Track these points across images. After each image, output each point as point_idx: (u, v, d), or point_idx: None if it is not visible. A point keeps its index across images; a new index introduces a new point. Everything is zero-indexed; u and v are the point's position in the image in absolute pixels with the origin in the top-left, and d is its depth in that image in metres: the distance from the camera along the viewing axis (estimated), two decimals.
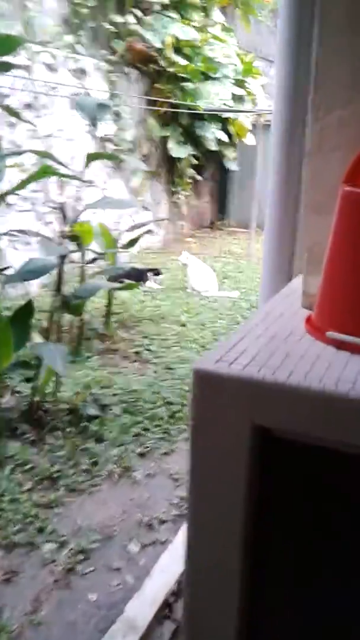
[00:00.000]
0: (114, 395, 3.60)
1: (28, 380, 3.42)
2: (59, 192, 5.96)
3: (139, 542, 2.42)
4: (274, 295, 1.85)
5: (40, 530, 2.44)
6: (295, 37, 2.02)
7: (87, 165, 2.72)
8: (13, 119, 5.36)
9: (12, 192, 2.75)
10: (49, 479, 2.77)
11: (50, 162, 2.65)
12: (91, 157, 2.63)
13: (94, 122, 2.70)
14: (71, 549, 2.35)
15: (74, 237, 3.96)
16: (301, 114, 2.09)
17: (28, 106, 5.53)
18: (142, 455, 3.03)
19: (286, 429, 0.77)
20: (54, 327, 3.07)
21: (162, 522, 2.56)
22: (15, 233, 3.50)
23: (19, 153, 3.68)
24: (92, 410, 3.29)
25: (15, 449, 2.94)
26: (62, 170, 2.74)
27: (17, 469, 2.82)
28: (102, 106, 2.73)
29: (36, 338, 3.42)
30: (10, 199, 5.31)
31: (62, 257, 2.84)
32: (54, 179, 5.92)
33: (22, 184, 2.74)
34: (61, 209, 2.73)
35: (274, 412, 0.80)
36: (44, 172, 2.70)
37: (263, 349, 0.93)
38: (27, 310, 3.07)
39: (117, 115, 7.04)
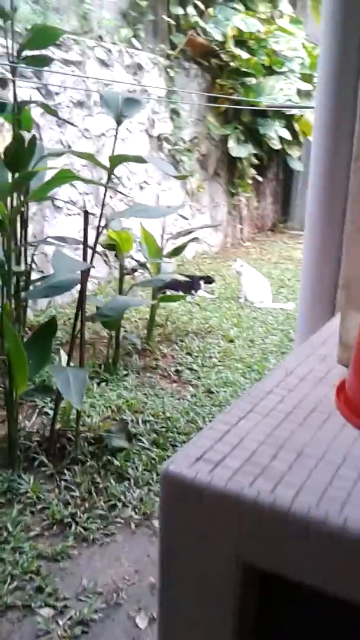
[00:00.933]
0: (145, 422, 3.27)
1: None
2: (110, 196, 5.70)
3: (148, 615, 2.07)
4: (309, 338, 1.42)
5: (40, 589, 2.14)
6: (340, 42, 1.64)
7: (111, 170, 2.38)
8: (65, 118, 5.14)
9: (31, 199, 2.46)
10: (60, 523, 2.48)
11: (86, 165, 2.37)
12: (115, 161, 2.29)
13: (118, 120, 2.37)
14: (70, 618, 2.03)
15: (111, 246, 3.67)
16: (348, 119, 1.64)
17: (79, 104, 5.29)
18: None
19: (286, 574, 0.56)
20: (78, 344, 2.77)
21: None
22: (52, 240, 3.21)
23: (59, 154, 3.41)
24: (117, 442, 2.97)
25: (29, 484, 2.66)
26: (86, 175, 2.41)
27: (27, 509, 2.54)
28: (130, 101, 2.39)
29: (62, 356, 3.14)
30: (58, 202, 5.09)
31: (86, 273, 2.52)
32: (104, 177, 5.67)
33: (42, 191, 2.44)
34: (85, 216, 2.41)
35: (268, 550, 0.58)
36: (64, 177, 2.40)
37: (269, 439, 0.71)
38: (49, 328, 2.79)
39: (175, 112, 6.70)
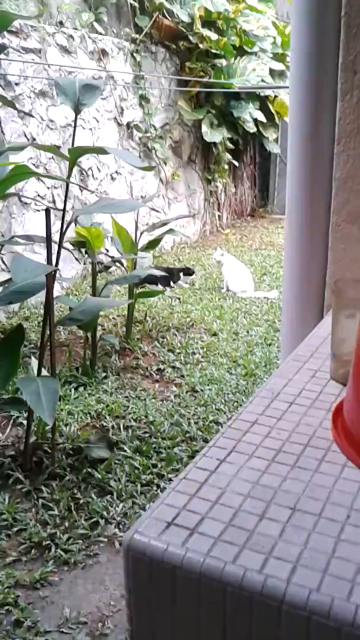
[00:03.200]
0: (127, 428, 3.10)
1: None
2: (81, 189, 5.48)
3: None
4: (295, 349, 1.26)
5: (18, 623, 1.97)
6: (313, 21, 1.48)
7: (72, 163, 2.18)
8: (26, 110, 4.89)
9: None
10: (38, 546, 2.30)
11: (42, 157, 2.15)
12: (75, 153, 2.09)
13: (76, 108, 2.16)
14: None
15: (81, 243, 3.46)
16: (327, 98, 1.47)
17: (42, 94, 5.04)
18: None
19: None
20: (50, 349, 2.57)
21: None
22: (19, 240, 3.00)
23: (20, 148, 3.18)
24: (98, 452, 2.79)
25: (4, 504, 2.48)
26: (43, 169, 2.20)
27: (2, 532, 2.36)
28: (88, 87, 2.18)
29: (34, 364, 2.95)
30: (25, 198, 4.85)
31: (51, 275, 2.32)
32: (75, 171, 5.44)
33: None
34: (46, 212, 2.21)
35: None
36: (19, 174, 2.19)
37: (255, 491, 0.63)
38: (16, 336, 2.59)
39: (145, 99, 6.47)
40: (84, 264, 5.50)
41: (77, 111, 2.20)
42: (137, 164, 2.10)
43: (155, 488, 2.62)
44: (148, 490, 2.61)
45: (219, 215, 8.38)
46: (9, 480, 2.64)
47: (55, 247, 2.45)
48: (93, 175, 5.76)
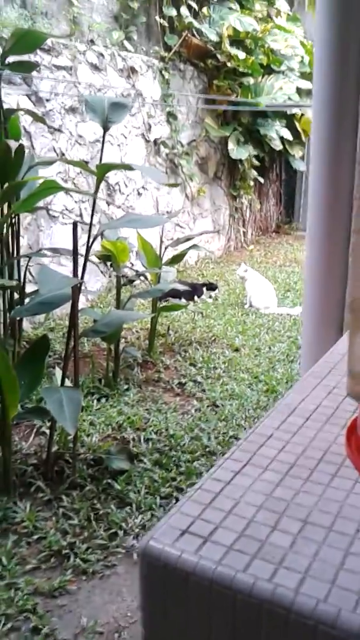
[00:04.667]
0: (148, 440, 3.12)
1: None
2: (108, 203, 5.57)
3: None
4: (315, 361, 1.27)
5: (36, 630, 1.99)
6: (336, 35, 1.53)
7: (100, 178, 2.24)
8: (56, 126, 5.01)
9: (14, 211, 2.32)
10: (57, 554, 2.32)
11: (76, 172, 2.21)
12: (103, 169, 2.15)
13: (105, 125, 2.22)
14: None
15: (107, 257, 3.52)
16: (349, 115, 1.50)
17: (71, 110, 5.16)
18: None
19: None
20: (74, 360, 2.62)
21: None
22: (46, 252, 3.08)
23: (49, 163, 3.27)
24: (118, 464, 2.82)
25: (25, 512, 2.51)
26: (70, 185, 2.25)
27: (23, 540, 2.39)
28: (116, 106, 2.24)
29: (58, 374, 2.99)
30: (53, 211, 4.96)
31: (77, 287, 2.37)
32: (102, 186, 5.53)
33: (27, 203, 2.30)
34: (74, 226, 2.26)
35: None
36: (48, 189, 2.25)
37: (268, 503, 0.64)
38: (41, 346, 2.64)
39: (172, 115, 6.57)
40: (109, 277, 5.57)
41: (105, 128, 2.26)
42: (161, 180, 2.15)
43: (174, 501, 2.63)
44: (167, 503, 2.62)
45: (243, 232, 8.42)
46: (30, 488, 2.68)
47: (81, 260, 2.51)
48: (120, 190, 5.85)
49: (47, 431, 3.10)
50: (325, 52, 1.35)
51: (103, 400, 3.55)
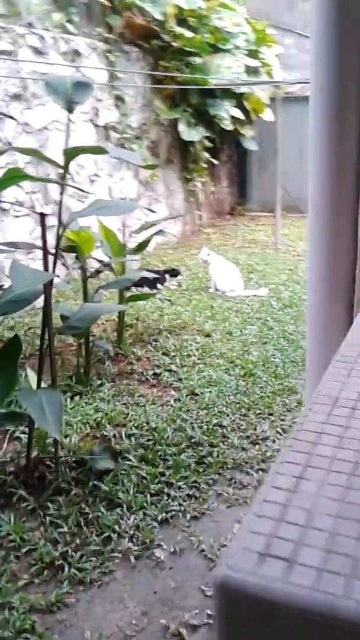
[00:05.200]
0: (130, 436, 3.00)
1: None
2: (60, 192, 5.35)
3: None
4: (341, 347, 1.16)
5: None
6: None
7: (67, 164, 2.08)
8: (2, 112, 4.75)
9: None
10: (50, 566, 2.19)
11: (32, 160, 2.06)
12: (71, 154, 1.99)
13: (69, 107, 2.06)
14: None
15: (70, 248, 3.36)
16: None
17: (16, 97, 4.91)
18: (165, 522, 2.42)
19: None
20: (49, 357, 2.46)
21: (194, 628, 1.95)
22: (3, 247, 2.89)
23: (2, 152, 3.07)
24: (103, 464, 2.69)
25: (10, 524, 2.36)
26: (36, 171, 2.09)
27: (11, 554, 2.24)
28: (80, 86, 2.09)
29: (30, 374, 2.83)
30: (3, 203, 4.72)
31: (49, 283, 2.22)
32: (52, 173, 5.31)
33: None
34: (42, 218, 2.11)
35: None
36: (13, 178, 2.09)
37: (344, 510, 0.53)
38: (12, 349, 2.47)
39: (120, 99, 6.37)
40: (67, 268, 5.38)
41: (69, 110, 2.10)
42: (138, 162, 2.02)
43: (165, 497, 2.53)
44: (158, 500, 2.52)
45: (199, 215, 8.32)
46: (12, 498, 2.53)
47: (42, 253, 2.35)
48: (72, 178, 5.64)
49: (21, 436, 2.95)
50: (324, 36, 1.24)
51: (77, 397, 3.41)
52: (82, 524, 2.37)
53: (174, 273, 5.40)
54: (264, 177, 9.61)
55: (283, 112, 7.27)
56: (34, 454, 2.70)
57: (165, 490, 2.57)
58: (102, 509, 2.45)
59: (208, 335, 4.32)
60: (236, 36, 7.66)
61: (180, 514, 2.45)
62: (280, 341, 4.20)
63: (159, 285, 5.26)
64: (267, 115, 8.74)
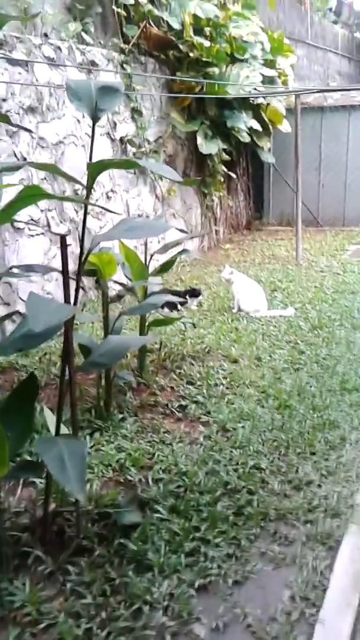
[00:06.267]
0: (157, 481, 2.69)
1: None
2: (75, 210, 5.10)
3: None
4: None
5: None
6: None
7: (91, 180, 1.80)
8: (15, 129, 4.51)
9: None
10: None
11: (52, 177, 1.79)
12: (96, 168, 1.72)
13: (95, 115, 1.79)
14: None
15: (90, 271, 3.08)
16: None
17: (31, 110, 4.67)
18: (203, 589, 2.10)
19: None
20: (71, 402, 2.17)
21: None
22: (16, 271, 2.61)
23: (16, 168, 2.80)
24: (129, 517, 2.38)
25: (24, 592, 2.06)
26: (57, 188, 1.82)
27: (27, 632, 1.93)
28: (106, 90, 1.82)
29: (47, 414, 2.53)
30: (18, 223, 4.46)
31: (70, 319, 1.93)
32: (68, 190, 5.06)
33: (5, 214, 1.86)
34: (62, 240, 1.82)
35: None
36: (31, 196, 1.82)
37: None
38: (27, 391, 2.19)
39: (137, 112, 6.13)
40: (84, 291, 5.11)
41: (94, 118, 1.83)
42: (176, 178, 1.74)
43: (202, 558, 2.21)
44: (194, 561, 2.20)
45: (216, 230, 8.05)
46: (27, 559, 2.22)
47: (62, 279, 2.07)
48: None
49: (37, 480, 2.65)
50: None
51: (97, 435, 3.10)
52: (108, 592, 2.07)
53: (194, 293, 5.11)
54: (281, 190, 9.34)
55: (301, 122, 7.00)
56: (52, 506, 2.40)
57: (202, 548, 2.26)
58: (131, 573, 2.14)
59: (235, 361, 4.02)
60: (253, 46, 7.42)
61: (221, 579, 2.13)
62: (313, 367, 3.88)
63: (179, 307, 4.97)
64: (284, 126, 8.48)
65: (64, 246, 1.97)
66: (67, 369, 2.11)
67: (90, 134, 5.37)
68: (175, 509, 2.48)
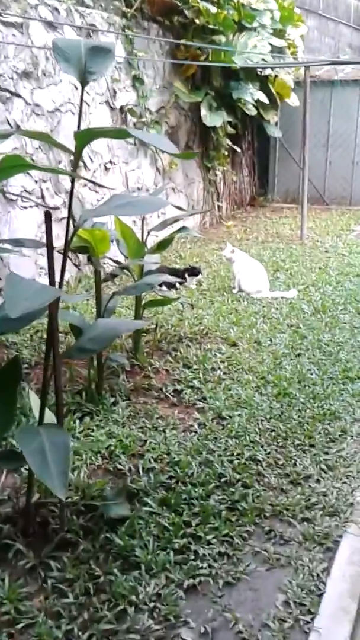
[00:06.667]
0: (147, 471, 2.56)
1: None
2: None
3: None
4: None
5: None
6: None
7: (79, 150, 1.63)
8: (8, 93, 4.29)
9: None
10: None
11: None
12: (84, 137, 1.54)
13: (84, 78, 1.61)
14: None
15: (82, 248, 2.91)
16: None
17: (26, 75, 4.44)
18: (192, 589, 1.99)
19: None
20: (56, 391, 2.03)
21: None
22: (4, 246, 2.44)
23: (6, 135, 2.61)
24: (117, 510, 2.26)
25: (3, 588, 1.94)
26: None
27: (3, 632, 1.82)
28: (98, 51, 1.63)
29: (32, 399, 2.40)
30: (10, 193, 4.28)
31: (55, 302, 1.77)
32: (64, 160, 4.85)
33: None
34: (47, 216, 1.66)
35: None
36: (12, 167, 1.64)
37: None
38: (10, 375, 2.04)
39: (139, 80, 5.87)
40: (78, 268, 4.94)
41: (83, 82, 1.64)
42: (170, 149, 1.56)
43: (192, 556, 2.09)
44: (184, 559, 2.08)
45: (218, 206, 7.83)
46: (8, 552, 2.10)
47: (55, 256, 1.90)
48: (86, 166, 5.18)
49: (22, 468, 2.52)
50: None
51: (87, 419, 2.97)
52: (92, 591, 1.95)
53: (194, 272, 4.94)
54: (287, 166, 9.08)
55: (310, 96, 6.73)
56: (35, 496, 2.27)
57: (192, 546, 2.14)
58: (116, 571, 2.02)
59: (234, 345, 3.87)
60: (262, 14, 7.11)
61: (211, 579, 2.01)
62: (315, 353, 3.73)
63: (178, 286, 4.81)
64: (292, 99, 8.20)
65: (48, 221, 1.80)
66: (51, 353, 1.96)
67: (88, 102, 5.14)
68: (166, 501, 2.36)
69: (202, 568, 2.05)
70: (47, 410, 2.11)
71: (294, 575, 2.02)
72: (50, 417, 2.18)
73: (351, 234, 7.39)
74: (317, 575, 2.01)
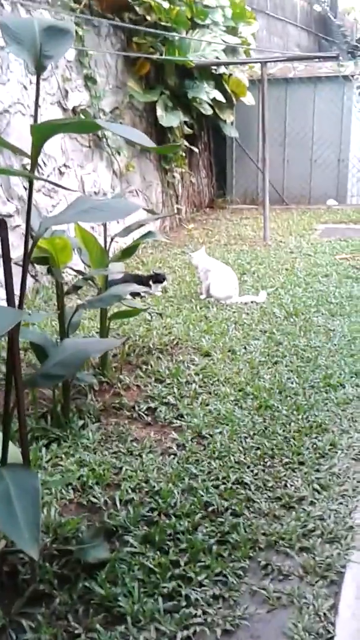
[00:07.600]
0: (125, 503, 2.32)
1: None
2: (24, 186, 4.59)
3: None
4: None
5: None
6: None
7: (37, 147, 1.38)
8: None
9: None
10: None
11: None
12: (42, 132, 1.30)
13: (39, 63, 1.36)
14: None
15: (42, 259, 2.64)
16: None
17: None
18: None
19: None
20: (20, 422, 1.77)
21: None
22: None
23: None
24: (95, 554, 2.01)
25: None
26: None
27: None
28: (54, 32, 1.39)
29: None
30: None
31: (16, 326, 1.51)
32: (16, 164, 4.54)
33: None
34: (1, 224, 1.40)
35: None
36: None
37: None
38: None
39: (91, 79, 5.61)
40: (35, 279, 4.63)
41: (39, 67, 1.39)
42: (146, 143, 1.33)
43: (184, 602, 1.86)
44: (174, 607, 1.85)
45: (178, 209, 7.63)
46: None
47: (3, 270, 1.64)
48: (39, 170, 4.88)
49: None
50: None
51: (54, 445, 2.70)
52: None
53: (158, 279, 4.72)
54: (245, 166, 8.97)
55: (267, 95, 6.60)
56: (1, 544, 2.00)
57: (182, 589, 1.90)
58: (98, 626, 1.77)
59: (207, 355, 3.65)
60: (214, 11, 6.95)
61: (207, 628, 1.78)
62: (293, 359, 3.56)
63: (142, 294, 4.57)
64: (248, 98, 8.08)
65: (3, 231, 1.54)
66: (12, 380, 1.70)
67: (40, 102, 4.85)
68: (149, 538, 2.12)
69: (195, 616, 1.82)
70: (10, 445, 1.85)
71: (299, 616, 1.81)
72: (13, 453, 1.91)
73: (314, 234, 7.31)
74: (324, 614, 1.81)
